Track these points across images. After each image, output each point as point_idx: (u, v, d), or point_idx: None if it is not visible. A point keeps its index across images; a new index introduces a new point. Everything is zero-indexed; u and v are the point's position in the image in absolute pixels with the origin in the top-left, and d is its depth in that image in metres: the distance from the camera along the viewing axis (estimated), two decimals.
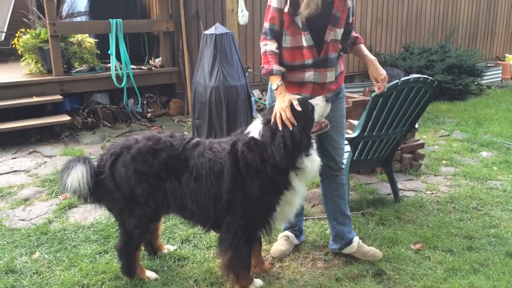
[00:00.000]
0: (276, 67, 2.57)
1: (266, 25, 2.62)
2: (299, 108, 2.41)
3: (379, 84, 2.85)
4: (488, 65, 10.01)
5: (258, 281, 2.69)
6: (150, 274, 2.77)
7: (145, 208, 2.55)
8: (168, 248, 3.08)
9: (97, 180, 2.57)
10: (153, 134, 2.66)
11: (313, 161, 2.48)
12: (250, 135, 2.48)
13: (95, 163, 2.65)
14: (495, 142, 5.52)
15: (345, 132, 2.99)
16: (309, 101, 2.52)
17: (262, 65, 2.62)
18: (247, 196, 2.43)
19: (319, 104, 2.51)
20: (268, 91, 2.83)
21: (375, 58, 2.83)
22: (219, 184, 2.45)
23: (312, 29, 2.58)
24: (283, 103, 2.42)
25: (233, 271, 2.54)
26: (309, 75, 2.67)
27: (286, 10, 2.54)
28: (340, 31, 2.67)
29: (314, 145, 2.57)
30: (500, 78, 9.93)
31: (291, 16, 2.56)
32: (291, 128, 2.37)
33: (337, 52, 2.75)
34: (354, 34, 2.87)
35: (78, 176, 2.49)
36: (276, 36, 2.62)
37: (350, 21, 2.74)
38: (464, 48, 9.49)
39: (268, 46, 2.60)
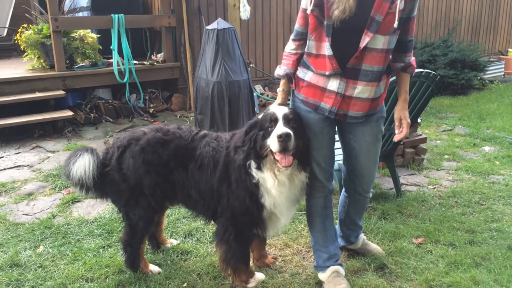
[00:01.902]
0: (279, 70, 2.52)
1: (296, 26, 2.44)
2: (257, 117, 2.39)
3: (402, 128, 2.50)
4: (491, 59, 9.98)
5: (259, 275, 2.70)
6: (153, 268, 2.79)
7: (150, 199, 2.57)
8: (171, 242, 3.10)
9: (102, 172, 2.58)
10: (160, 126, 2.68)
11: (264, 181, 2.34)
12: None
13: (101, 155, 2.66)
14: (497, 137, 5.51)
15: (378, 159, 2.66)
16: (278, 124, 2.28)
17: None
18: (229, 187, 2.44)
19: (273, 134, 2.25)
20: (291, 96, 2.60)
21: (407, 99, 2.55)
22: (215, 172, 2.47)
23: (345, 31, 2.21)
24: (271, 107, 2.44)
25: (230, 265, 2.55)
26: (333, 83, 2.33)
27: (309, 11, 2.26)
28: (383, 39, 2.23)
29: (265, 172, 2.35)
30: (502, 73, 9.90)
31: (317, 19, 2.26)
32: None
33: (379, 66, 2.31)
34: (410, 58, 2.46)
35: (84, 164, 2.50)
36: (302, 38, 2.41)
37: (404, 28, 2.30)
38: (467, 43, 9.46)
39: (288, 46, 2.50)
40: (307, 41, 2.37)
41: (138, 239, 2.68)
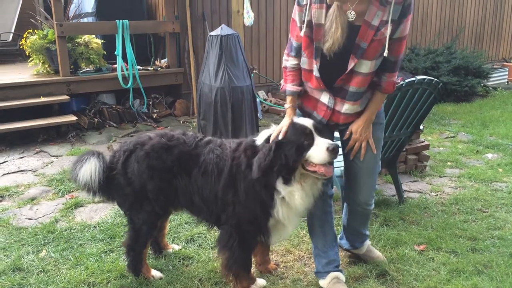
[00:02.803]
0: (289, 87, 2.47)
1: (292, 41, 2.42)
2: (280, 136, 2.30)
3: (351, 142, 2.48)
4: (495, 66, 9.97)
5: (261, 281, 2.70)
6: (155, 273, 2.80)
7: (154, 204, 2.59)
8: (173, 247, 3.11)
9: (109, 176, 2.60)
10: (165, 132, 2.69)
11: (291, 193, 2.32)
12: (254, 138, 2.48)
13: (107, 159, 2.69)
14: (500, 144, 5.50)
15: (378, 170, 2.65)
16: (315, 137, 2.29)
17: (281, 81, 2.55)
18: (236, 196, 2.42)
19: (318, 146, 2.26)
20: None
21: (371, 119, 2.46)
22: (220, 180, 2.46)
23: (334, 55, 2.25)
24: (282, 123, 2.37)
25: (231, 271, 2.55)
26: (325, 97, 2.42)
27: (302, 33, 2.30)
28: (369, 63, 2.27)
29: (294, 184, 2.32)
30: (506, 80, 9.89)
31: (308, 38, 2.31)
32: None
33: (364, 87, 2.36)
34: (389, 78, 2.39)
35: (91, 168, 2.53)
36: (299, 54, 2.42)
37: (386, 54, 2.24)
38: (470, 50, 9.46)
39: (288, 61, 2.47)
40: (301, 57, 2.41)
41: (141, 243, 2.69)
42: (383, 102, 2.52)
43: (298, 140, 2.28)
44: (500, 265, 2.90)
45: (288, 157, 2.27)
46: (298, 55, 2.43)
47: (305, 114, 2.52)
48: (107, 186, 2.63)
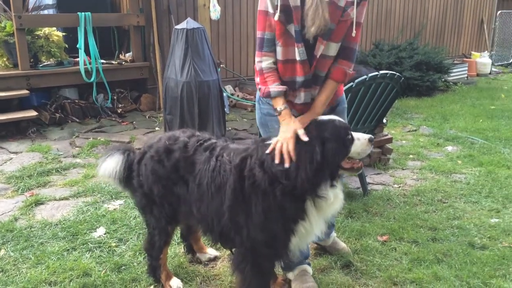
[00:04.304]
0: (274, 88, 2.27)
1: (262, 34, 2.24)
2: (305, 139, 2.08)
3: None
4: (455, 62, 10.29)
5: None
6: (175, 283, 2.65)
7: (162, 210, 2.48)
8: (209, 253, 2.99)
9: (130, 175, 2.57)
10: (173, 133, 2.53)
11: (336, 196, 2.14)
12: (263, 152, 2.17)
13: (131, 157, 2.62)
14: (460, 137, 5.69)
15: None
16: (352, 133, 2.17)
17: (259, 86, 2.34)
18: (250, 219, 2.15)
19: (360, 140, 2.15)
20: (256, 103, 2.54)
21: (319, 113, 2.28)
22: (220, 198, 2.22)
23: (304, 39, 2.21)
24: (287, 133, 2.13)
25: None
26: (300, 97, 2.35)
27: (276, 18, 2.17)
28: (334, 46, 2.25)
29: (340, 182, 2.21)
30: (466, 75, 10.22)
31: (283, 25, 2.19)
32: (287, 165, 2.04)
33: (326, 71, 2.33)
34: (341, 65, 2.31)
35: (111, 164, 2.52)
36: (274, 47, 2.27)
37: (354, 34, 2.24)
38: (432, 46, 9.72)
39: (263, 62, 2.28)
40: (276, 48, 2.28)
41: (156, 249, 2.58)
42: (333, 93, 2.38)
43: (343, 135, 2.12)
44: (459, 253, 3.01)
45: (337, 155, 2.08)
46: (272, 49, 2.28)
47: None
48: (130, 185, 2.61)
